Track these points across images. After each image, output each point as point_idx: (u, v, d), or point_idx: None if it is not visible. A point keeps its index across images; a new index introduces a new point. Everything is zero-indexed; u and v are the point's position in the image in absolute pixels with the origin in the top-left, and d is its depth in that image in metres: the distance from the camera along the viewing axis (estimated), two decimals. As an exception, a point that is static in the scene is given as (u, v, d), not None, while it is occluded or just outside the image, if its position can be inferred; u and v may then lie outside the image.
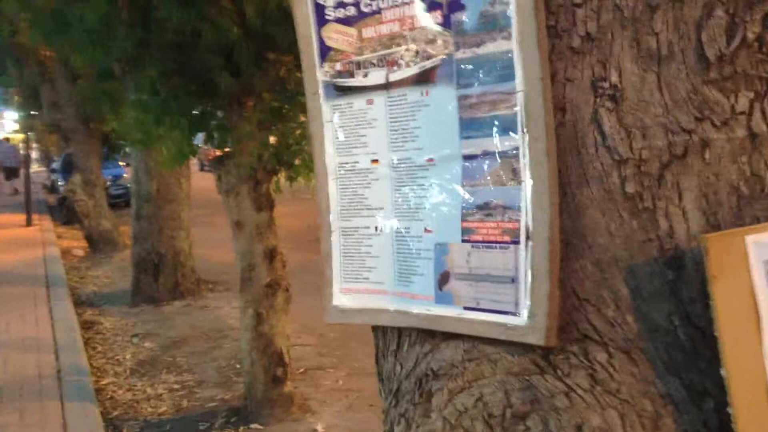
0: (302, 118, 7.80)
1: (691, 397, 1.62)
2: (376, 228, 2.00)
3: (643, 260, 1.66)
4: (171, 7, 6.33)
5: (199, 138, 8.22)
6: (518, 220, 1.68)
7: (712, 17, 1.56)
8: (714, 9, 1.56)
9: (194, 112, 7.81)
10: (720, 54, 1.57)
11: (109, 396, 8.71)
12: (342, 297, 2.08)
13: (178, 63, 7.28)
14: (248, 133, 7.78)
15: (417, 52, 1.84)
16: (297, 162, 7.87)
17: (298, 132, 7.80)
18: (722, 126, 1.60)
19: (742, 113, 1.59)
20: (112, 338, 11.08)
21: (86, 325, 11.58)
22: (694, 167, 1.62)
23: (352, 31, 1.97)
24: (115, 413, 8.19)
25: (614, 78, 1.65)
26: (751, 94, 1.59)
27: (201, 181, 22.61)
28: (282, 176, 8.06)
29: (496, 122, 1.70)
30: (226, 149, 8.05)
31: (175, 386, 9.05)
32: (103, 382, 9.13)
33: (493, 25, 1.68)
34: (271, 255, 8.17)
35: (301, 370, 9.41)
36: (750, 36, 1.55)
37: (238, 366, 9.44)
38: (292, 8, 2.06)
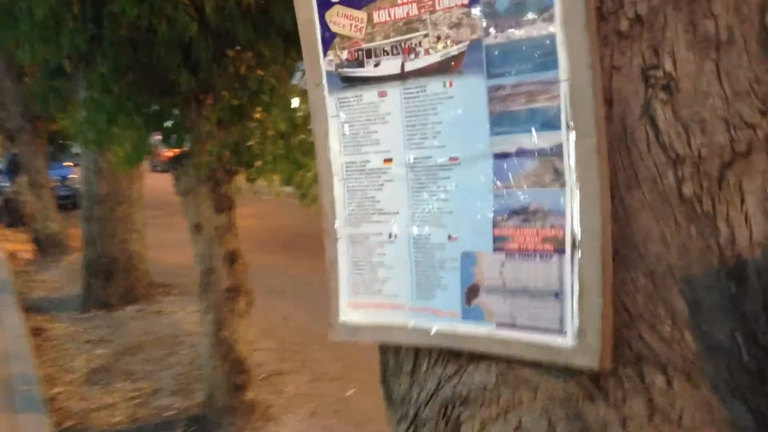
0: (262, 116, 7.54)
1: (759, 425, 1.45)
2: (390, 235, 1.79)
3: (701, 271, 1.48)
4: (125, 2, 6.00)
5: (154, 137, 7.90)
6: (562, 227, 1.49)
7: None
8: (782, -12, 1.38)
9: (150, 110, 7.47)
10: None
11: (61, 406, 8.31)
12: (350, 312, 1.87)
13: (132, 59, 6.94)
14: (207, 132, 7.48)
15: (438, 38, 1.63)
16: (258, 163, 7.60)
17: (259, 131, 7.52)
18: (790, 119, 1.43)
19: (813, 105, 1.43)
20: (63, 345, 10.62)
21: (35, 332, 11.09)
22: (758, 166, 1.45)
23: (361, 14, 1.75)
24: (68, 424, 7.81)
25: (668, 66, 1.47)
26: (822, 83, 1.42)
27: (153, 182, 22.03)
28: (242, 177, 7.79)
29: (535, 116, 1.50)
30: (184, 149, 7.73)
31: (131, 394, 8.69)
32: (55, 391, 8.72)
33: (531, 5, 1.48)
34: (232, 258, 7.89)
35: (263, 376, 9.13)
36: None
37: (196, 373, 9.12)
38: (292, -10, 1.83)
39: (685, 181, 1.48)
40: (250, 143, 7.51)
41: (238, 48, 7.14)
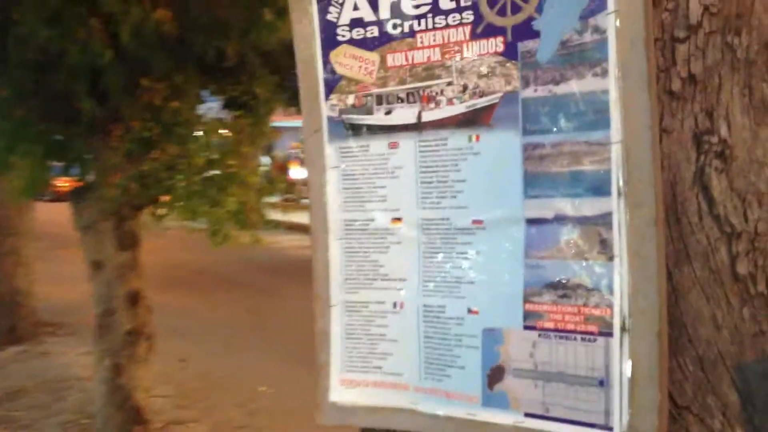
0: (176, 150, 7.17)
1: None
2: (395, 304, 1.59)
3: (754, 358, 1.36)
4: (36, 24, 5.58)
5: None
6: (610, 306, 1.33)
7: None
8: None
9: (53, 138, 6.96)
10: None
11: (-73, 462, 7.49)
12: (343, 391, 1.64)
13: (37, 84, 6.46)
14: (114, 164, 7.03)
15: (465, 87, 1.47)
16: (168, 198, 7.20)
17: (171, 165, 7.14)
18: (842, 196, 1.33)
19: None
20: (-66, 391, 9.66)
21: None
22: (815, 244, 1.35)
23: (373, 56, 1.56)
24: (-67, 484, 7.03)
25: (723, 131, 1.36)
26: None
27: (43, 213, 20.85)
28: (150, 212, 7.36)
29: (579, 180, 1.35)
30: (86, 181, 7.23)
31: (12, 445, 7.95)
32: None
33: (580, 58, 1.34)
34: (134, 299, 7.38)
35: (160, 425, 8.56)
36: None
37: (86, 422, 8.45)
38: (291, 23, 1.62)
39: (740, 258, 1.36)
40: (161, 177, 7.12)
41: (152, 77, 6.79)
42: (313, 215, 1.65)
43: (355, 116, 1.60)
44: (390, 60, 1.55)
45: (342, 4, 1.58)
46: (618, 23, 1.29)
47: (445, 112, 1.49)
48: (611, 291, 1.33)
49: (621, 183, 1.31)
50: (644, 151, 1.29)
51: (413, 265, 1.56)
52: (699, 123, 1.37)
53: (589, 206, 1.34)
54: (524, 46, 1.40)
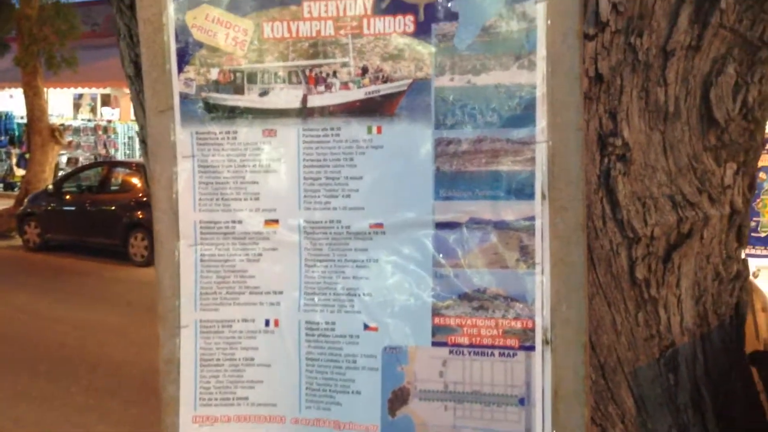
0: None
1: None
2: (268, 322, 1.33)
3: (646, 363, 1.36)
4: None
5: None
6: (531, 318, 1.23)
7: (723, 73, 1.36)
8: (726, 65, 1.36)
9: None
10: (728, 116, 1.37)
11: None
12: (195, 430, 1.33)
13: None
14: None
15: (364, 70, 1.27)
16: None
17: None
18: (716, 201, 1.40)
19: (728, 187, 1.43)
20: None
21: None
22: (695, 248, 1.40)
23: (245, 23, 1.29)
24: None
25: (626, 134, 1.34)
26: (735, 166, 1.43)
27: None
28: None
29: (499, 181, 1.23)
30: None
31: None
32: None
33: (504, 47, 1.22)
34: None
35: None
36: (750, 100, 1.39)
37: None
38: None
39: (638, 262, 1.35)
40: None
41: None
42: (158, 215, 1.32)
43: (218, 95, 1.30)
44: (267, 30, 1.28)
45: (205, -45, 1.28)
46: (549, 13, 1.19)
47: (337, 97, 1.28)
48: (532, 301, 1.23)
49: (545, 185, 1.22)
50: (572, 153, 1.21)
51: (292, 275, 1.31)
52: (603, 124, 1.34)
53: (510, 210, 1.23)
54: (440, 28, 1.24)
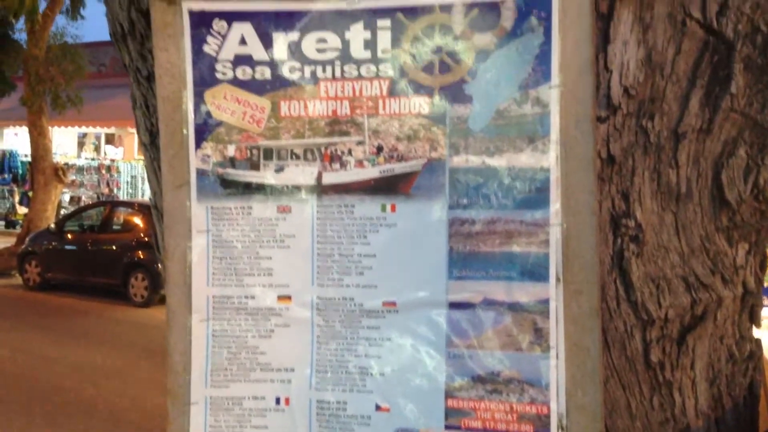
0: None
1: None
2: (279, 400, 1.32)
3: (662, 450, 1.35)
4: None
5: None
6: (546, 403, 1.22)
7: (734, 156, 1.37)
8: (737, 147, 1.37)
9: None
10: (740, 197, 1.38)
11: None
12: None
13: None
14: None
15: (379, 149, 1.28)
16: None
17: None
18: (729, 282, 1.40)
19: (741, 267, 1.43)
20: None
21: None
22: (708, 330, 1.40)
23: (262, 102, 1.31)
24: None
25: (639, 215, 1.34)
26: (747, 246, 1.44)
27: None
28: None
29: (513, 262, 1.24)
30: None
31: None
32: None
33: (518, 130, 1.24)
34: None
35: None
36: (761, 181, 1.40)
37: None
38: (153, 49, 1.29)
39: (653, 345, 1.35)
40: None
41: None
42: (171, 289, 1.32)
43: (234, 171, 1.31)
44: (284, 108, 1.30)
45: (224, 36, 1.30)
46: (562, 99, 1.21)
47: (352, 174, 1.29)
48: (547, 385, 1.23)
49: (559, 268, 1.22)
50: (586, 236, 1.21)
51: (304, 352, 1.31)
52: (616, 205, 1.34)
53: (524, 291, 1.23)
54: (454, 110, 1.26)
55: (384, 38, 1.27)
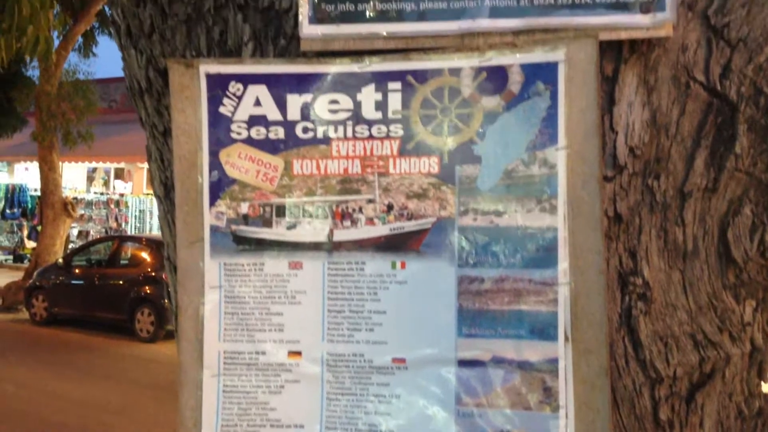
0: None
1: None
2: (289, 456, 1.33)
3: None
4: None
5: None
6: None
7: (740, 214, 1.39)
8: (743, 206, 1.39)
9: None
10: (746, 256, 1.39)
11: None
12: None
13: None
14: None
15: (390, 207, 1.31)
16: None
17: None
18: (737, 339, 1.41)
19: (748, 324, 1.44)
20: None
21: None
22: (717, 388, 1.40)
23: (276, 161, 1.34)
24: None
25: (646, 273, 1.36)
26: (754, 303, 1.45)
27: None
28: None
29: (522, 320, 1.26)
30: None
31: None
32: None
33: (526, 190, 1.26)
34: None
35: None
36: (767, 239, 1.42)
37: None
38: (171, 109, 1.33)
39: (662, 403, 1.35)
40: None
41: None
42: (183, 345, 1.34)
43: (247, 228, 1.34)
44: (297, 167, 1.33)
45: (240, 97, 1.34)
46: (569, 160, 1.23)
47: (363, 232, 1.31)
48: None
49: (568, 327, 1.23)
50: (595, 296, 1.23)
51: (314, 408, 1.32)
52: (623, 263, 1.36)
53: (533, 350, 1.25)
54: (463, 170, 1.28)
55: (394, 100, 1.30)
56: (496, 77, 1.27)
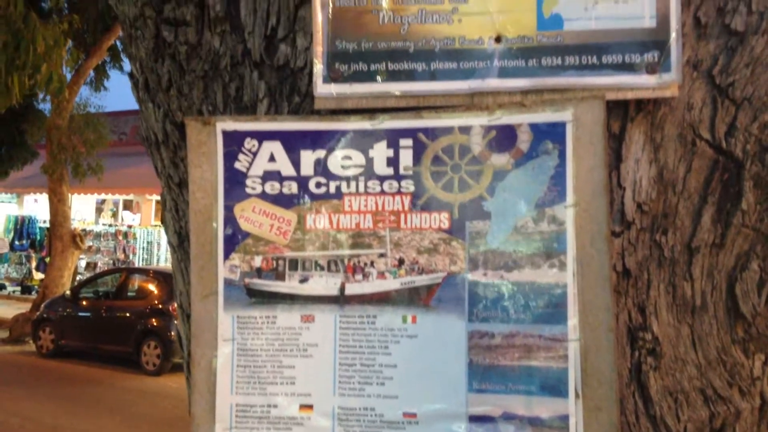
0: None
1: None
2: None
3: None
4: None
5: None
6: None
7: (747, 269, 1.40)
8: (750, 261, 1.41)
9: None
10: (754, 310, 1.41)
11: None
12: None
13: None
14: None
15: (401, 262, 1.33)
16: None
17: None
18: (747, 393, 1.42)
19: (758, 378, 1.44)
20: None
21: None
22: (726, 446, 1.41)
23: (289, 215, 1.36)
24: None
25: (655, 328, 1.37)
26: (763, 357, 1.45)
27: None
28: None
29: (532, 376, 1.27)
30: None
31: None
32: None
33: (536, 246, 1.28)
34: None
35: None
36: (775, 295, 1.43)
37: None
38: (188, 165, 1.36)
39: (672, 463, 1.36)
40: None
41: None
42: (195, 398, 1.35)
43: (260, 281, 1.36)
44: (310, 221, 1.36)
45: (255, 153, 1.37)
46: (577, 218, 1.26)
47: (374, 286, 1.33)
48: None
49: (578, 384, 1.25)
50: (604, 353, 1.25)
51: None
52: (633, 318, 1.38)
53: (543, 406, 1.26)
54: (473, 225, 1.31)
55: (406, 156, 1.33)
56: (506, 135, 1.30)
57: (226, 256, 1.37)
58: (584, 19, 1.30)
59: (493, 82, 1.32)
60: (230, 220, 1.37)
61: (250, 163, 1.37)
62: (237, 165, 1.37)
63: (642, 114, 1.37)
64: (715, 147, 1.38)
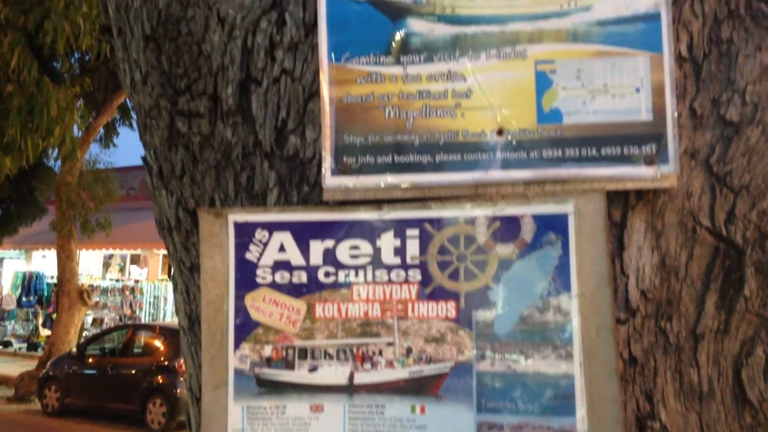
0: None
1: None
2: None
3: None
4: None
5: None
6: None
7: (752, 355, 1.42)
8: (755, 347, 1.42)
9: None
10: (761, 396, 1.41)
11: None
12: None
13: None
14: None
15: (409, 351, 1.35)
16: None
17: None
18: (758, 484, 1.42)
19: (768, 466, 1.44)
20: None
21: None
22: None
23: (298, 304, 1.39)
24: None
25: (663, 416, 1.38)
26: (772, 440, 1.45)
27: None
28: None
29: (541, 469, 1.27)
30: None
31: None
32: None
33: (542, 336, 1.30)
34: None
35: None
36: (781, 380, 1.44)
37: None
38: (200, 256, 1.40)
39: None
40: None
41: None
42: (205, 489, 1.36)
43: (270, 371, 1.38)
44: (318, 310, 1.39)
45: (266, 244, 1.40)
46: (582, 308, 1.28)
47: (383, 375, 1.35)
48: None
49: (586, 475, 1.25)
50: (613, 448, 1.25)
51: None
52: (640, 406, 1.38)
53: None
54: (480, 315, 1.33)
55: (413, 246, 1.36)
56: (510, 226, 1.33)
57: (237, 346, 1.39)
58: (582, 113, 1.35)
59: (496, 174, 1.36)
60: (241, 309, 1.40)
61: (261, 253, 1.40)
62: (248, 255, 1.40)
63: (642, 202, 1.41)
64: (716, 234, 1.41)
